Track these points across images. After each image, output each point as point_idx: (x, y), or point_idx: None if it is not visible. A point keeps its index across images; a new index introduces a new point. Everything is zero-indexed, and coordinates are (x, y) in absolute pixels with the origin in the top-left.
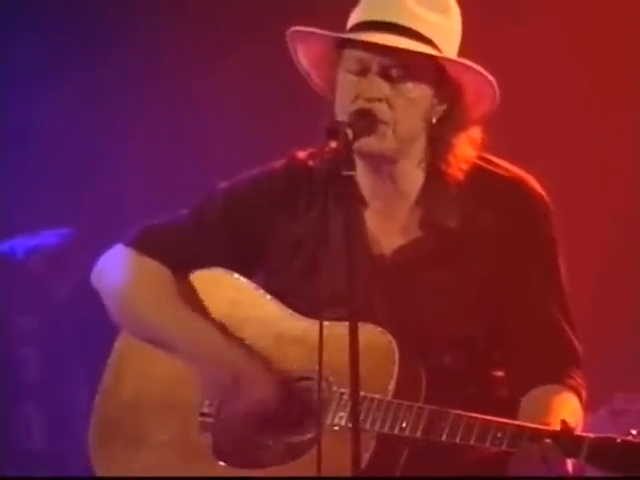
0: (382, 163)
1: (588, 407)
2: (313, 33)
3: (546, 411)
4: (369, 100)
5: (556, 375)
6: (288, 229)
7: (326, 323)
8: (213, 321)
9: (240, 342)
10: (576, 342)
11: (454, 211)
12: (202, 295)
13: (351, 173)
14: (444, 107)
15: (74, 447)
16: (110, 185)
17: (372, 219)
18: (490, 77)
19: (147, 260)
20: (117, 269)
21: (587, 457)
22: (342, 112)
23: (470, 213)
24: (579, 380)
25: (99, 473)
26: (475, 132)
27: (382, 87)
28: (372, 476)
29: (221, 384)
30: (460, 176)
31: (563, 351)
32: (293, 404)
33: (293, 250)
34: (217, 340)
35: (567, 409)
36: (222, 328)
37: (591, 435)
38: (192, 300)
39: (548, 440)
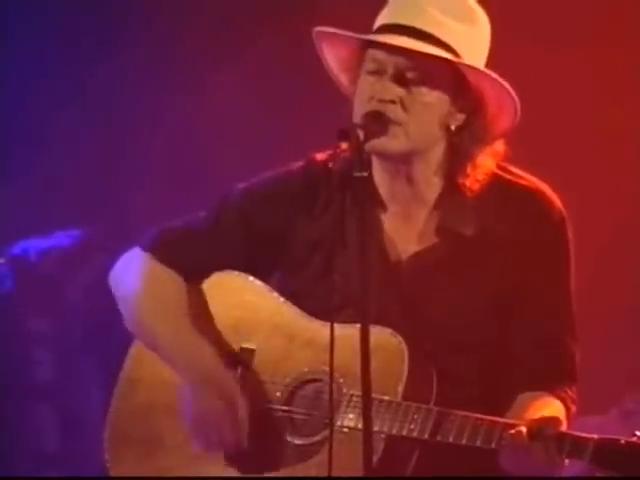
0: (398, 164)
1: (599, 408)
2: (336, 34)
3: (525, 410)
4: (382, 101)
5: (548, 387)
6: (305, 230)
7: (336, 325)
8: (214, 335)
9: (230, 361)
10: (576, 357)
11: (471, 219)
12: (215, 298)
13: (363, 174)
14: (463, 116)
15: (88, 448)
16: (123, 185)
17: (390, 222)
18: (509, 87)
19: (160, 268)
20: (131, 275)
21: (592, 459)
22: (358, 112)
23: (486, 221)
24: (570, 393)
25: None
26: (498, 144)
27: (395, 89)
28: (381, 477)
29: (206, 403)
30: (476, 187)
31: (561, 366)
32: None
33: (309, 252)
34: (206, 359)
35: (548, 411)
36: (218, 344)
37: (595, 436)
38: (199, 311)
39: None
